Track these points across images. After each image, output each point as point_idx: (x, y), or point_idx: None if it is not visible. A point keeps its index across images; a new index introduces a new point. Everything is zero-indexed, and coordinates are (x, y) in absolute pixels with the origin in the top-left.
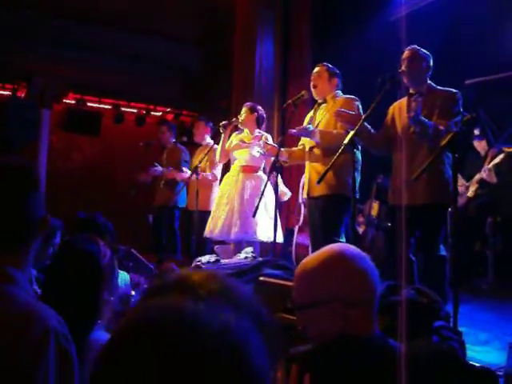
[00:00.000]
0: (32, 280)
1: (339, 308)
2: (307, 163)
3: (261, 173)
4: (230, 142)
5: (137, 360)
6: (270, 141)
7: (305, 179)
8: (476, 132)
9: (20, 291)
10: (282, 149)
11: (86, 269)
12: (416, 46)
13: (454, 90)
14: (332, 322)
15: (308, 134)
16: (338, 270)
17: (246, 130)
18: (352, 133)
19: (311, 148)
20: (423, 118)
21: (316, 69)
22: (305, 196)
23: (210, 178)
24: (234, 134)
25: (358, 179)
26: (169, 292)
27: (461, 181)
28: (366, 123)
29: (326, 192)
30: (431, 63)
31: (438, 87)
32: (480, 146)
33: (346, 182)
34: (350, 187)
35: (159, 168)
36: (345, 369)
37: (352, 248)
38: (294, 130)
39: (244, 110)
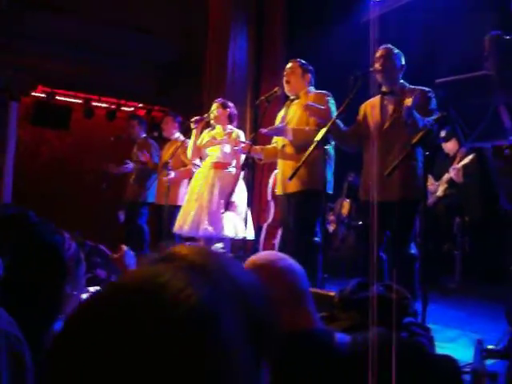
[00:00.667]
0: None
1: None
2: (280, 160)
3: (232, 169)
4: (201, 138)
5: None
6: (242, 137)
7: (278, 176)
8: (442, 134)
9: None
10: (255, 146)
11: (48, 260)
12: (390, 45)
13: (426, 89)
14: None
15: (280, 132)
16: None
17: (217, 127)
18: (324, 129)
19: (283, 146)
20: (416, 114)
21: (289, 64)
22: (279, 193)
23: (189, 173)
24: (205, 131)
25: (331, 174)
26: (153, 264)
27: (430, 180)
28: (337, 120)
29: (300, 188)
30: (403, 62)
31: (411, 86)
32: (447, 147)
33: (319, 176)
34: (323, 183)
35: (130, 165)
36: (280, 364)
37: (273, 253)
38: (266, 130)
39: (215, 106)
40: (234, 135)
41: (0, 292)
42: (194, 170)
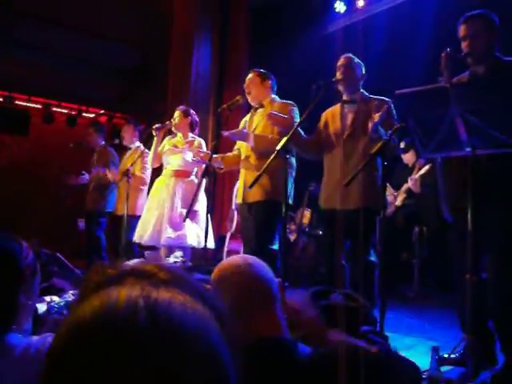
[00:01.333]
0: None
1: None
2: (242, 170)
3: (193, 177)
4: (162, 145)
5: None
6: (204, 146)
7: (239, 185)
8: (401, 145)
9: None
10: (215, 155)
11: (4, 268)
12: (351, 55)
13: (386, 99)
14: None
15: (242, 137)
16: (230, 279)
17: (179, 135)
18: (285, 138)
19: (246, 156)
20: (380, 128)
21: (248, 76)
22: (239, 201)
23: (140, 181)
24: (167, 138)
25: (292, 185)
26: (121, 282)
27: (389, 190)
28: (298, 129)
29: (261, 198)
30: (364, 72)
31: (371, 96)
32: (406, 158)
33: (279, 188)
34: (284, 193)
35: (86, 176)
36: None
37: (249, 257)
38: (227, 133)
39: (177, 113)
40: (195, 143)
41: None
42: (146, 178)
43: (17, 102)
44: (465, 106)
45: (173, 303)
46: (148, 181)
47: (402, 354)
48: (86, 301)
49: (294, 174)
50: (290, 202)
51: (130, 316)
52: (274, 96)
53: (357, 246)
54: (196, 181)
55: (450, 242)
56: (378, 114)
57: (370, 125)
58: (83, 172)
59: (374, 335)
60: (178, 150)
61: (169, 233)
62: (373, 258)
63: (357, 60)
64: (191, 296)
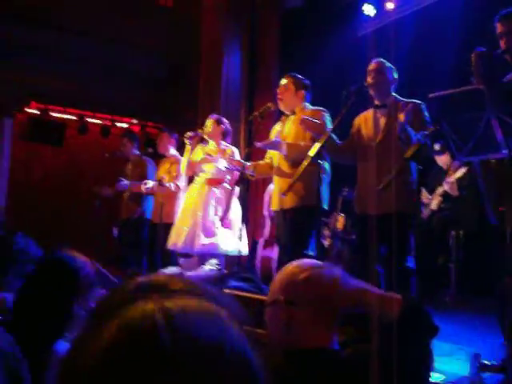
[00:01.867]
0: None
1: (282, 305)
2: (275, 177)
3: (226, 185)
4: (195, 153)
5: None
6: (236, 154)
7: (273, 191)
8: (436, 147)
9: None
10: (248, 163)
11: (62, 278)
12: (382, 59)
13: (418, 102)
14: (276, 323)
15: (274, 146)
16: (295, 274)
17: (211, 143)
18: (318, 144)
19: (279, 164)
20: (410, 129)
21: (283, 81)
22: (274, 208)
23: (173, 188)
24: (199, 146)
25: (327, 190)
26: (133, 299)
27: (424, 194)
28: (332, 134)
29: (296, 204)
30: (396, 76)
31: (404, 99)
32: (441, 160)
33: (315, 192)
34: (319, 199)
35: (125, 182)
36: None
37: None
38: (260, 144)
39: (210, 122)
40: (228, 152)
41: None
42: (173, 189)
43: (52, 114)
44: (502, 107)
45: (189, 311)
46: (182, 187)
47: (442, 360)
48: (102, 325)
49: (328, 179)
50: (325, 207)
51: (150, 334)
52: (306, 104)
53: (392, 251)
54: (229, 188)
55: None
56: (402, 115)
57: (396, 125)
58: (121, 178)
59: None
60: (212, 159)
61: (202, 240)
62: (409, 264)
63: (388, 64)
64: (207, 301)
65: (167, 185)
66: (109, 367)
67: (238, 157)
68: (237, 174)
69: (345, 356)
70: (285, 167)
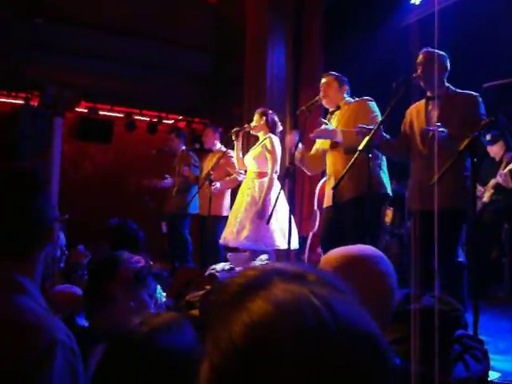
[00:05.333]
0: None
1: None
2: (328, 170)
3: (276, 179)
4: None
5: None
6: (275, 142)
7: (326, 187)
8: (488, 137)
9: (30, 301)
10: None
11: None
12: (430, 48)
13: (474, 93)
14: None
15: (329, 134)
16: (352, 268)
17: (260, 135)
18: (367, 138)
19: (330, 147)
20: (449, 142)
21: (323, 79)
22: (327, 204)
23: (234, 181)
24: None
25: (386, 175)
26: (269, 284)
27: (477, 186)
28: (384, 134)
29: (353, 194)
30: (448, 64)
31: (458, 90)
32: (493, 150)
33: (371, 180)
34: (376, 184)
35: (169, 180)
36: None
37: (376, 251)
38: (314, 133)
39: (256, 115)
40: (266, 142)
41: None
42: (240, 179)
43: (100, 112)
44: None
45: (340, 301)
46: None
47: (497, 358)
48: (235, 303)
49: (383, 164)
50: (389, 191)
51: (315, 314)
52: (347, 98)
53: (445, 247)
54: (277, 182)
55: None
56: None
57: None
58: (166, 176)
59: (469, 339)
60: (252, 153)
61: (250, 234)
62: (461, 259)
63: (438, 53)
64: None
65: (216, 184)
66: (259, 343)
67: (276, 144)
68: (276, 165)
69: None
70: (335, 154)
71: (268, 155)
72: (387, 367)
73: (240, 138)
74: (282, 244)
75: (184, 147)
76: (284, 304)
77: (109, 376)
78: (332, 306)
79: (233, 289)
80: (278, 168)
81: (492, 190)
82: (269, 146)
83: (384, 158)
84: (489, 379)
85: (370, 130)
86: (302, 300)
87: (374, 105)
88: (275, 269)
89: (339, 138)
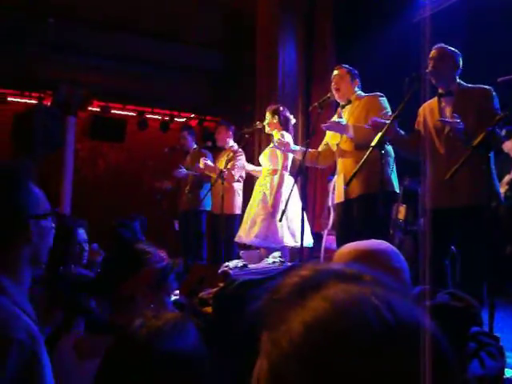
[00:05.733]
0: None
1: None
2: (339, 166)
3: (284, 173)
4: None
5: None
6: (287, 137)
7: (336, 183)
8: (502, 132)
9: (3, 299)
10: (297, 147)
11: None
12: (443, 45)
13: (487, 87)
14: None
15: (340, 129)
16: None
17: (275, 133)
18: (380, 134)
19: (338, 144)
20: (464, 135)
21: (335, 72)
22: (338, 200)
23: (232, 180)
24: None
25: (394, 173)
26: (326, 284)
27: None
28: (398, 129)
29: (363, 191)
30: (460, 61)
31: (469, 85)
32: (506, 146)
33: (381, 178)
34: (387, 183)
35: (184, 170)
36: None
37: (389, 246)
38: (325, 125)
39: (267, 113)
40: (277, 136)
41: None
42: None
43: (113, 111)
44: None
45: (398, 300)
46: (241, 179)
47: None
48: (293, 302)
49: (392, 162)
50: (396, 190)
51: (376, 313)
52: (358, 92)
53: (465, 244)
54: (290, 179)
55: None
56: (454, 119)
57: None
58: (180, 165)
59: (485, 336)
60: (270, 149)
61: (262, 232)
62: (482, 257)
63: (450, 49)
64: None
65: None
66: (319, 342)
67: (288, 139)
68: (289, 159)
69: None
70: (345, 148)
71: (278, 152)
72: (449, 363)
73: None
74: (289, 241)
75: (196, 145)
76: (344, 303)
77: (109, 378)
78: (392, 305)
79: (289, 288)
80: (288, 164)
81: (506, 186)
82: (284, 141)
83: (393, 156)
84: (505, 376)
85: (384, 123)
86: (361, 299)
87: (385, 100)
88: (331, 269)
89: (351, 133)
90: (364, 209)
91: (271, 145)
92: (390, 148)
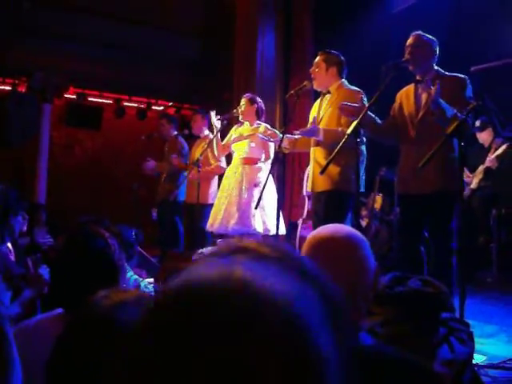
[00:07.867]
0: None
1: None
2: (312, 157)
3: (261, 164)
4: (229, 135)
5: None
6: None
7: (309, 172)
8: (477, 123)
9: None
10: (285, 135)
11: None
12: (420, 32)
13: (462, 76)
14: None
15: (313, 133)
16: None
17: (245, 123)
18: (355, 122)
19: (316, 146)
20: (443, 102)
21: (316, 59)
22: (309, 189)
23: (217, 170)
24: (233, 128)
25: (363, 173)
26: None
27: (465, 172)
28: (370, 113)
29: (329, 187)
30: (436, 48)
31: (447, 73)
32: (482, 137)
33: (349, 177)
34: (354, 182)
35: (152, 162)
36: None
37: (352, 231)
38: (299, 131)
39: (243, 101)
40: (261, 129)
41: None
42: (223, 166)
43: (89, 98)
44: None
45: (263, 270)
46: (224, 166)
47: (484, 342)
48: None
49: (364, 161)
50: (362, 190)
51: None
52: (342, 81)
53: (434, 230)
54: (264, 167)
55: None
56: (433, 88)
57: (429, 100)
58: (148, 159)
59: (455, 322)
60: (244, 137)
61: (238, 221)
62: (450, 244)
63: (427, 37)
64: (291, 272)
65: (207, 168)
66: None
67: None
68: (271, 151)
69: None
70: (319, 153)
71: (270, 144)
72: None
73: (222, 125)
74: (259, 229)
75: (175, 133)
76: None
77: (67, 349)
78: (242, 276)
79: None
80: (271, 155)
81: (480, 176)
82: (269, 132)
83: (365, 155)
84: (474, 361)
85: (354, 107)
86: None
87: (365, 99)
88: (232, 246)
89: (320, 136)
90: (327, 204)
91: (250, 134)
92: (363, 147)
